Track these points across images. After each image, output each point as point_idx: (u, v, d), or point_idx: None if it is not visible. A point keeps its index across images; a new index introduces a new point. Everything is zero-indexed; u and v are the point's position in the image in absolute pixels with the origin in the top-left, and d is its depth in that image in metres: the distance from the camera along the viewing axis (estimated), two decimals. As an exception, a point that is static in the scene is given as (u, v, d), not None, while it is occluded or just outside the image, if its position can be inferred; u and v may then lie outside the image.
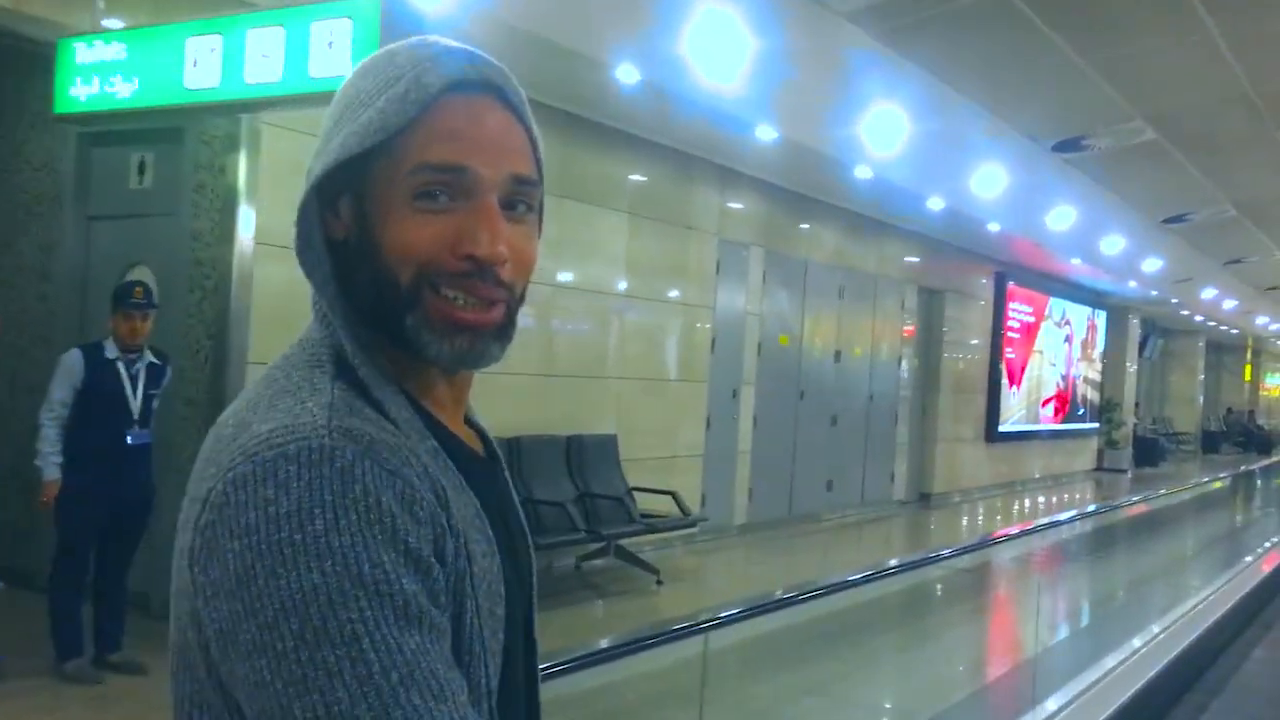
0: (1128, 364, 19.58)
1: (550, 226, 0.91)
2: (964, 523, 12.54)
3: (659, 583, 7.11)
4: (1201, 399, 26.42)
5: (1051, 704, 5.21)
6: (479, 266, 0.81)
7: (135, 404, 4.61)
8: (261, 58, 3.92)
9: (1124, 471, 18.72)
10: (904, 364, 12.14)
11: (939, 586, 6.46)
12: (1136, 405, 21.07)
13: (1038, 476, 16.16)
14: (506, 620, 0.83)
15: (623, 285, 7.96)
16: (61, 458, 4.47)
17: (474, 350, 0.83)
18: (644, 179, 8.04)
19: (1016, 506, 14.18)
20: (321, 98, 3.91)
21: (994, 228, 10.97)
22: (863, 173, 8.35)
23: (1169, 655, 6.33)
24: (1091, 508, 11.05)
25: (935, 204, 9.67)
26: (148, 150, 5.58)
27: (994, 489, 14.45)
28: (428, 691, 0.69)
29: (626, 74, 5.71)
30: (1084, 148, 10.47)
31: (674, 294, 8.52)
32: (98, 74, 4.36)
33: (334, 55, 3.77)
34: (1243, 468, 14.79)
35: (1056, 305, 16.26)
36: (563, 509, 6.52)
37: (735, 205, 9.08)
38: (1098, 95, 8.96)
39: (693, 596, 7.29)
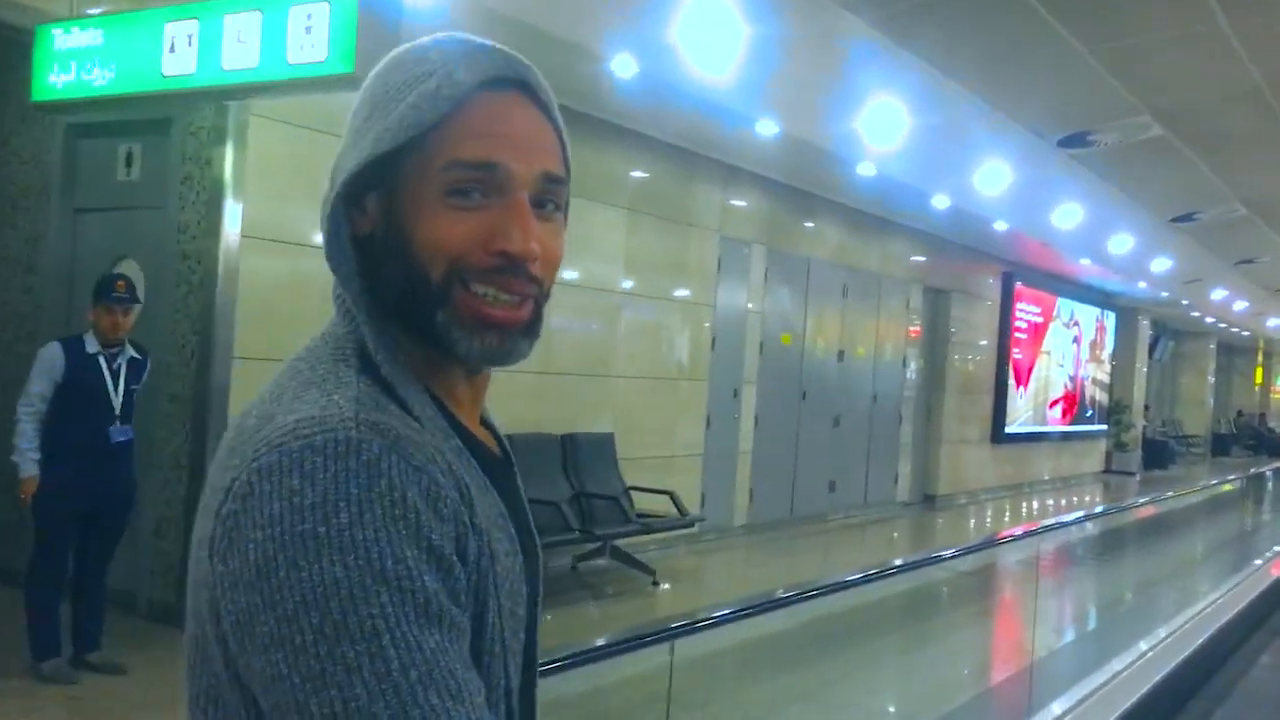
0: (1138, 365, 19.45)
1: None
2: (968, 525, 12.41)
3: (655, 583, 7.03)
4: (1212, 401, 26.26)
5: (1056, 708, 5.13)
6: (511, 262, 0.81)
7: (117, 399, 4.53)
8: (238, 43, 3.83)
9: (1133, 474, 18.58)
10: (909, 364, 12.02)
11: (940, 590, 6.37)
12: (1146, 407, 20.93)
13: (1045, 479, 16.02)
14: None
15: (622, 282, 7.86)
16: (39, 453, 4.39)
17: (503, 347, 0.84)
18: (644, 175, 7.94)
19: (1023, 508, 14.04)
20: (300, 84, 3.82)
21: (1001, 226, 10.84)
22: (865, 169, 8.24)
23: (1174, 660, 6.26)
24: (1099, 509, 10.92)
25: (940, 202, 9.54)
26: (135, 142, 5.50)
27: (1000, 491, 14.33)
28: (445, 691, 0.69)
29: (619, 65, 5.59)
30: (1090, 143, 10.32)
31: (674, 291, 8.43)
32: (75, 60, 4.27)
33: (312, 40, 3.67)
34: (1253, 470, 14.63)
35: (1065, 306, 16.14)
36: (557, 508, 6.44)
37: (737, 202, 8.97)
38: (1103, 88, 8.80)
39: (688, 597, 7.20)
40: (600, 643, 2.16)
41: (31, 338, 5.67)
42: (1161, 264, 14.76)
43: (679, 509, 7.40)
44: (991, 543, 6.98)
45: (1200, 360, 25.30)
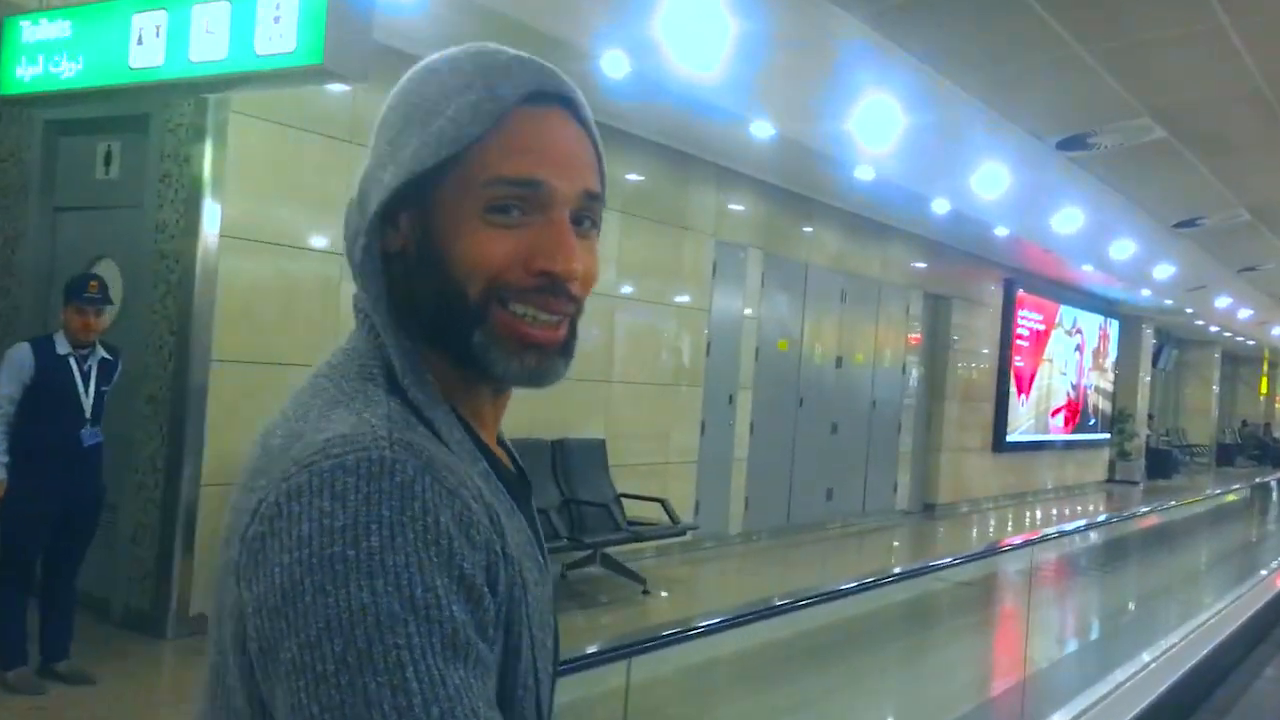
0: (1141, 374, 19.32)
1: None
2: (968, 534, 12.26)
3: (645, 592, 6.91)
4: (1217, 411, 26.11)
5: (1058, 720, 5.03)
6: (553, 282, 0.80)
7: (88, 401, 4.43)
8: (206, 34, 3.72)
9: (1136, 483, 18.46)
10: (909, 371, 11.89)
11: (938, 601, 6.26)
12: (1150, 417, 20.80)
13: (1048, 488, 15.87)
14: None
15: (614, 286, 7.75)
16: (8, 456, 4.28)
17: (541, 367, 0.82)
18: (638, 178, 7.83)
19: (1025, 518, 13.89)
20: (268, 76, 3.72)
21: (1001, 232, 10.71)
22: (863, 173, 8.12)
23: (1177, 672, 6.17)
24: (1100, 518, 10.79)
25: (940, 206, 9.43)
26: (114, 139, 5.41)
27: (1002, 500, 14.20)
28: None
29: (609, 63, 5.48)
30: (1089, 146, 10.18)
31: (669, 296, 8.32)
32: (43, 53, 4.18)
33: (280, 31, 3.57)
34: (1257, 480, 14.49)
35: (1067, 313, 16.02)
36: (546, 516, 6.32)
37: (733, 206, 8.86)
38: (1102, 89, 8.66)
39: (680, 606, 7.07)
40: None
41: (9, 339, 5.56)
42: (1164, 270, 14.62)
43: (670, 516, 7.28)
44: (990, 552, 6.87)
45: (1205, 369, 25.17)
